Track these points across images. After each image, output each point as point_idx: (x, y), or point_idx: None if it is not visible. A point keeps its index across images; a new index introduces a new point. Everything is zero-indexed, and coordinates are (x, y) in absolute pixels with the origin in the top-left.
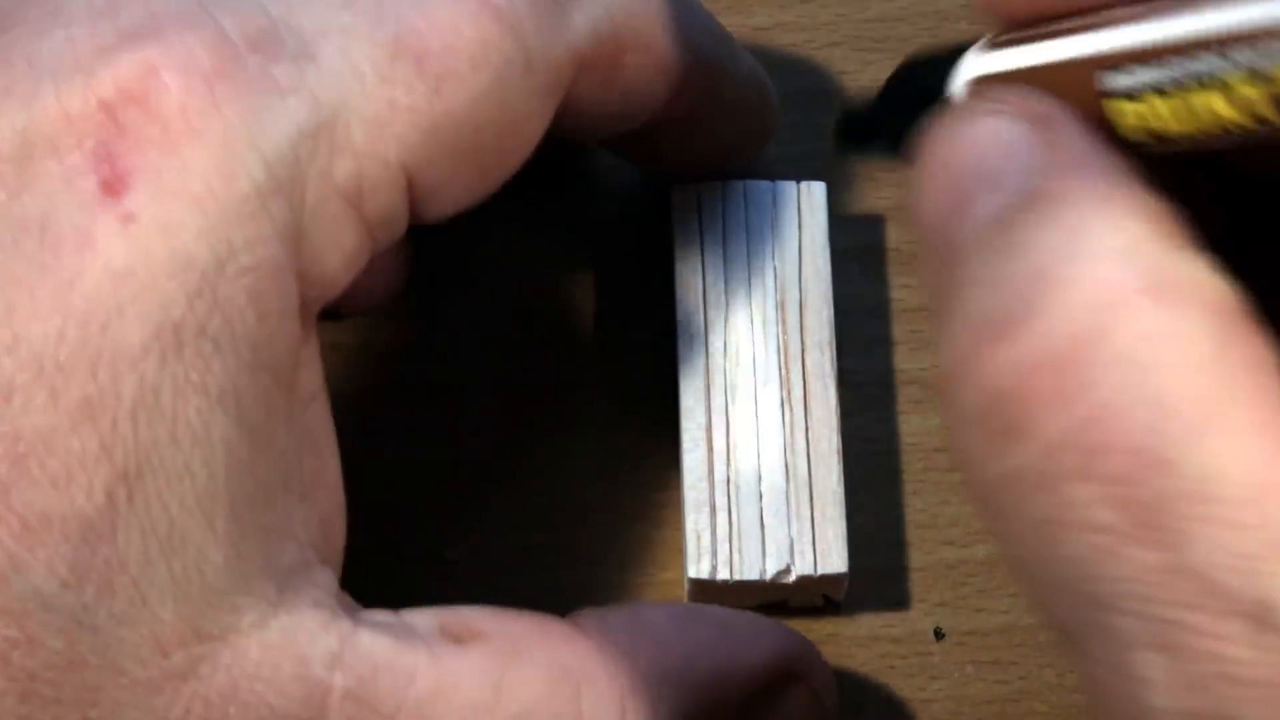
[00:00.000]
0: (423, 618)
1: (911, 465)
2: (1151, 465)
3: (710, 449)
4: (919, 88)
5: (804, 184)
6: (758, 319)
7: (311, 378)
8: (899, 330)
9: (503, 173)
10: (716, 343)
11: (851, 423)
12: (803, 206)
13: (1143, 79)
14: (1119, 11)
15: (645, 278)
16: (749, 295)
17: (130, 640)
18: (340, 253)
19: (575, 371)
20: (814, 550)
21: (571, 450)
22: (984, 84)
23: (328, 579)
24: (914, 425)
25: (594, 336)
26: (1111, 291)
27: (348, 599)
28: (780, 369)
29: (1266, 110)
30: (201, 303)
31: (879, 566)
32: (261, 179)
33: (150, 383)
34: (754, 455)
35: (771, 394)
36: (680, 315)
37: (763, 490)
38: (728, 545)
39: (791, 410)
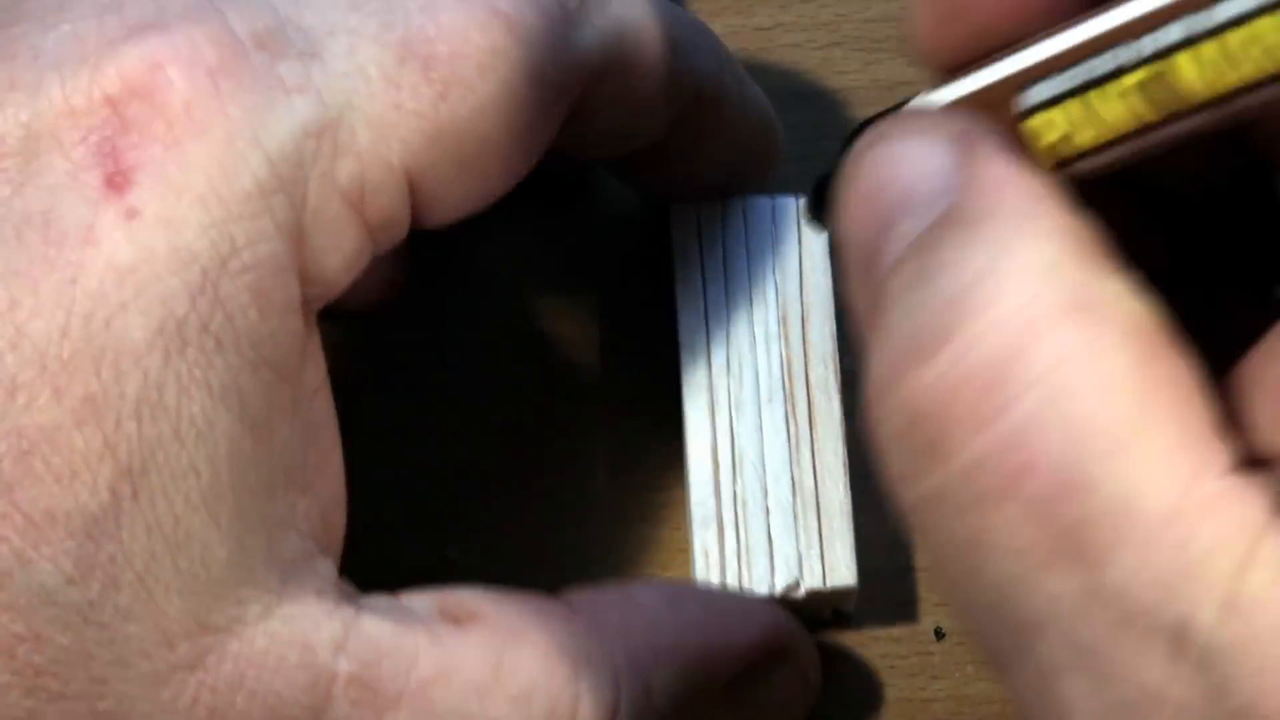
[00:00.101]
0: (421, 600)
1: None
2: (1069, 487)
3: (716, 465)
4: None
5: (803, 199)
6: (760, 334)
7: (314, 372)
8: None
9: (505, 182)
10: (719, 359)
11: (856, 423)
12: (802, 221)
13: (1046, 92)
14: (1032, 37)
15: (647, 282)
16: (751, 311)
17: (136, 635)
18: (340, 254)
19: (576, 372)
20: (822, 564)
21: (572, 450)
22: None
23: (329, 568)
24: None
25: (594, 337)
26: (1029, 312)
27: (348, 585)
28: (784, 384)
29: (1145, 110)
30: (204, 299)
31: (880, 566)
32: (264, 176)
33: (154, 379)
34: (760, 471)
35: (776, 409)
36: (682, 332)
37: (769, 505)
38: (736, 561)
39: (796, 425)
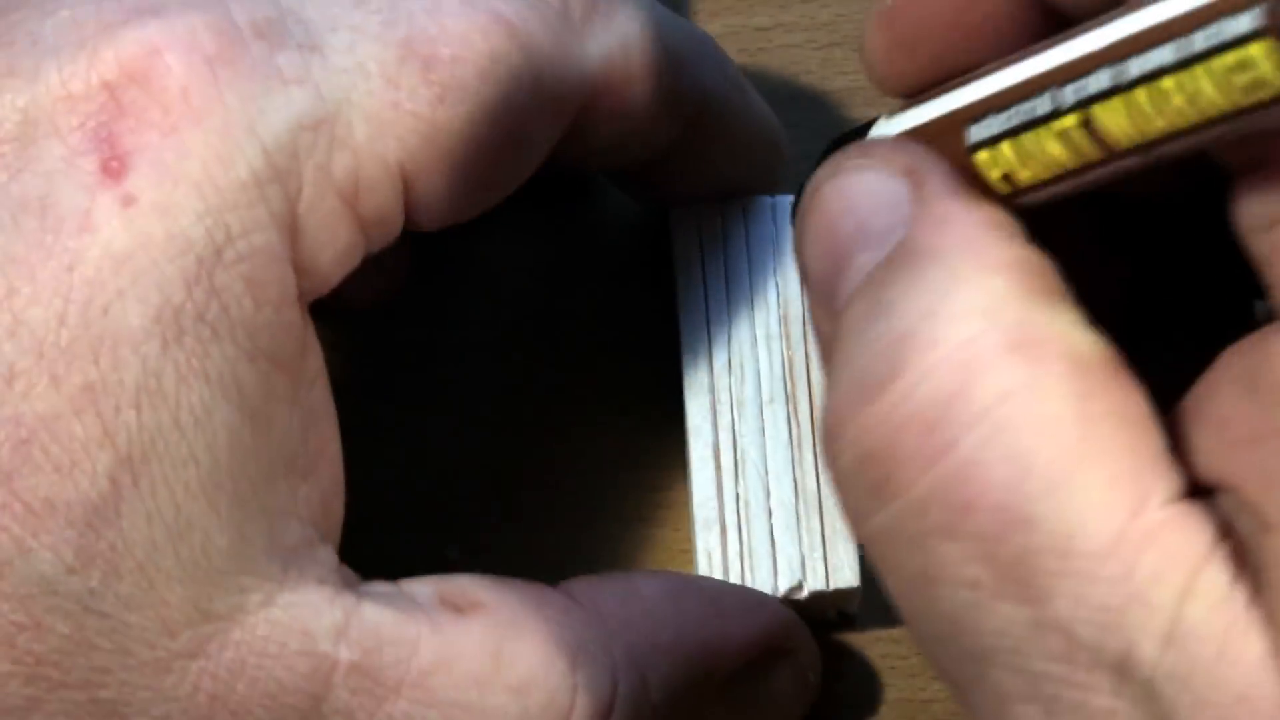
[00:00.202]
0: (422, 588)
1: None
2: (1012, 522)
3: (718, 467)
4: None
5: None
6: (761, 334)
7: (312, 362)
8: None
9: (501, 189)
10: (721, 360)
11: None
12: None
13: (988, 130)
14: (980, 70)
15: (648, 282)
16: (752, 311)
17: (137, 623)
18: (334, 248)
19: (577, 373)
20: (825, 565)
21: (573, 451)
22: None
23: (330, 555)
24: None
25: (595, 337)
26: (970, 351)
27: (348, 572)
28: (786, 384)
29: (1082, 151)
30: (200, 288)
31: None
32: (259, 166)
33: (152, 367)
34: (762, 472)
35: (778, 410)
36: (684, 333)
37: (772, 507)
38: (739, 563)
39: (798, 425)
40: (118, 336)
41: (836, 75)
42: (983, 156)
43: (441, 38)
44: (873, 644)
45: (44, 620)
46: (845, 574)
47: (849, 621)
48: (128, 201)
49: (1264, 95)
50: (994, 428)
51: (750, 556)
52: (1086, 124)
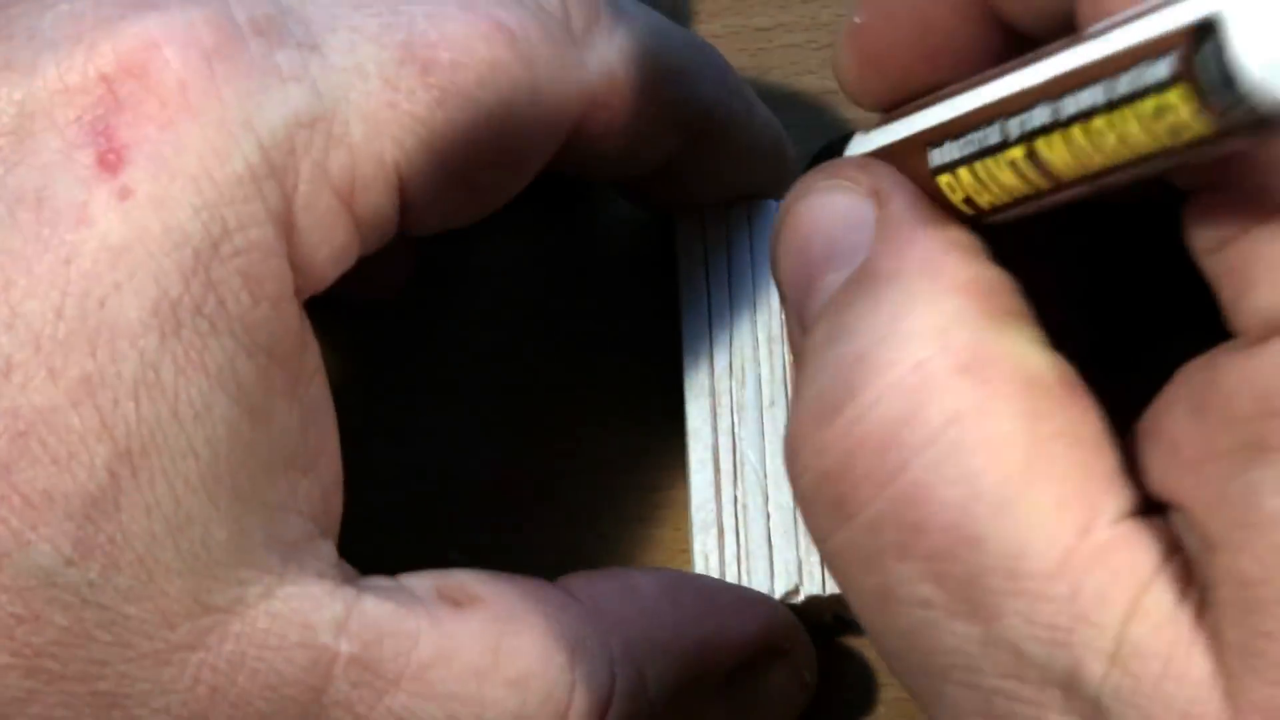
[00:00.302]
0: (420, 582)
1: None
2: (962, 542)
3: (717, 470)
4: None
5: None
6: (763, 337)
7: (310, 358)
8: None
9: (495, 197)
10: (722, 362)
11: None
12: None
13: (947, 155)
14: (944, 90)
15: (650, 284)
16: (754, 314)
17: (137, 615)
18: (329, 246)
19: (578, 373)
20: (822, 570)
21: (573, 450)
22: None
23: (329, 549)
24: None
25: (597, 339)
26: (922, 374)
27: (348, 567)
28: (786, 388)
29: (1034, 179)
30: (197, 281)
31: None
32: (256, 161)
33: (150, 360)
34: (761, 475)
35: (778, 414)
36: (685, 335)
37: (770, 510)
38: (736, 566)
39: None
40: (115, 329)
41: None
42: (944, 180)
43: (442, 42)
44: (869, 645)
45: (43, 612)
46: None
47: (846, 627)
48: (124, 194)
49: (1188, 137)
50: (944, 449)
51: (747, 559)
52: (1031, 156)
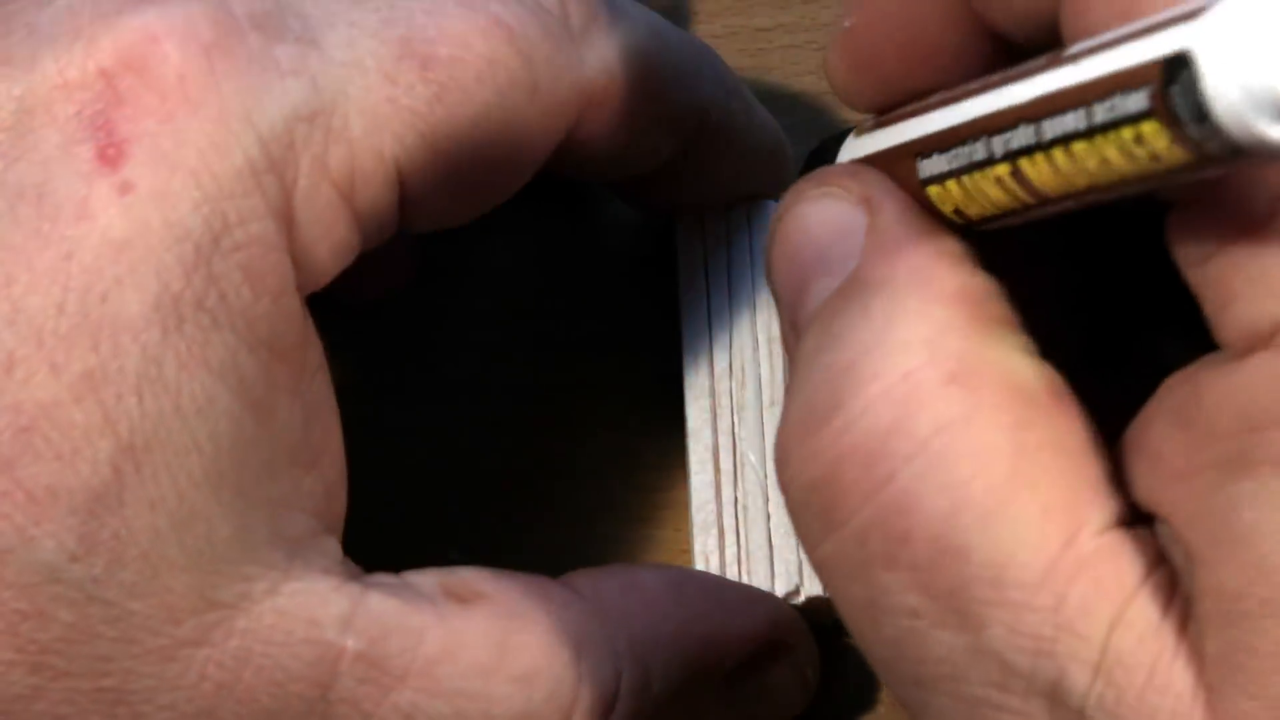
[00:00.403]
0: (425, 579)
1: None
2: (948, 552)
3: (717, 470)
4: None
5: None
6: (763, 338)
7: (313, 353)
8: None
9: (494, 194)
10: (722, 362)
11: None
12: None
13: (936, 167)
14: (935, 99)
15: (650, 283)
16: (754, 314)
17: (141, 611)
18: (329, 241)
19: (578, 374)
20: None
21: (573, 450)
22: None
23: (334, 546)
24: None
25: (597, 339)
26: (910, 384)
27: (352, 563)
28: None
29: (1020, 195)
30: (198, 276)
31: None
32: (256, 155)
33: (153, 354)
34: (761, 476)
35: (778, 414)
36: (685, 335)
37: (770, 511)
38: (736, 566)
39: None
40: (117, 324)
41: None
42: (934, 191)
43: (440, 38)
44: None
45: (47, 608)
46: None
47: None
48: (125, 189)
49: (1166, 164)
50: (930, 459)
51: (748, 560)
52: (1016, 174)
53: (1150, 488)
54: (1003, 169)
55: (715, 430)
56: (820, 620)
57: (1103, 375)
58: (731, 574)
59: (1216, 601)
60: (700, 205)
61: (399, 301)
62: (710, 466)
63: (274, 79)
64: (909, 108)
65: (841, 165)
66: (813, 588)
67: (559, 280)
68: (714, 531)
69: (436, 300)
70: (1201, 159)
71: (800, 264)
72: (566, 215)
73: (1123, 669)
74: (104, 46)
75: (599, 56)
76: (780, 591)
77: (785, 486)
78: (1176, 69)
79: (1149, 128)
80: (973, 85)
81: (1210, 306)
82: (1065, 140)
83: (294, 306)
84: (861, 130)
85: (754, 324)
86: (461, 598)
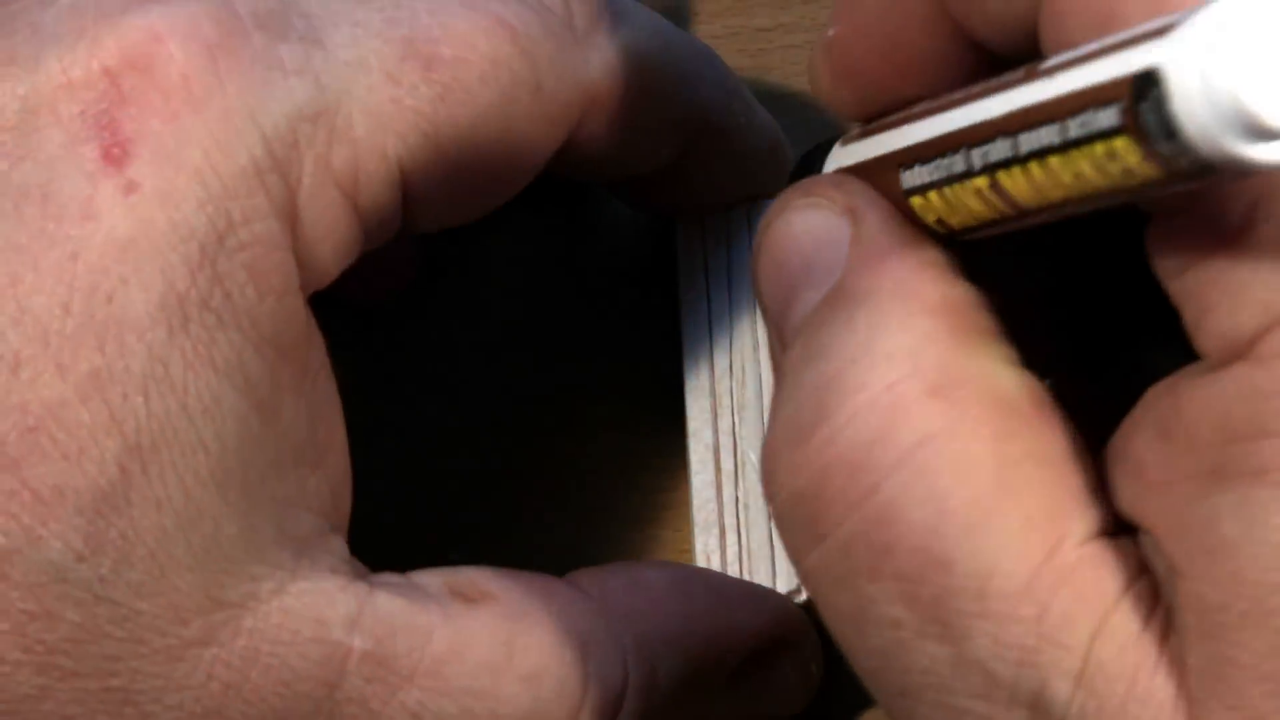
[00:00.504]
0: (430, 578)
1: None
2: (931, 564)
3: (718, 469)
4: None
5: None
6: (763, 338)
7: (316, 353)
8: None
9: (497, 194)
10: (722, 363)
11: None
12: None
13: (918, 179)
14: (918, 109)
15: (650, 283)
16: (754, 314)
17: (149, 611)
18: (333, 240)
19: (578, 374)
20: None
21: (573, 450)
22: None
23: (341, 545)
24: None
25: (597, 339)
26: (893, 396)
27: (359, 563)
28: None
29: (1000, 207)
30: (203, 275)
31: None
32: (260, 154)
33: (159, 354)
34: (762, 475)
35: None
36: (685, 335)
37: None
38: (738, 566)
39: None
40: (123, 323)
41: None
42: (917, 202)
43: (444, 38)
44: None
45: (54, 608)
46: None
47: None
48: (130, 188)
49: (1139, 179)
50: (914, 471)
51: (749, 559)
52: (995, 186)
53: (1133, 498)
54: (982, 181)
55: (716, 430)
56: (821, 622)
57: (1091, 383)
58: (733, 573)
59: (1197, 613)
60: (700, 206)
61: (399, 301)
62: (711, 466)
63: (278, 78)
64: (893, 117)
65: (827, 175)
66: None
67: (559, 280)
68: (715, 531)
69: (437, 300)
70: (1173, 175)
71: (786, 275)
72: (566, 215)
73: (1104, 679)
74: (108, 46)
75: (602, 57)
76: (782, 590)
77: (772, 497)
78: (1146, 86)
79: (1121, 144)
80: (955, 96)
81: (1189, 317)
82: (1041, 154)
83: (298, 306)
84: (848, 138)
85: (754, 324)
86: (468, 597)
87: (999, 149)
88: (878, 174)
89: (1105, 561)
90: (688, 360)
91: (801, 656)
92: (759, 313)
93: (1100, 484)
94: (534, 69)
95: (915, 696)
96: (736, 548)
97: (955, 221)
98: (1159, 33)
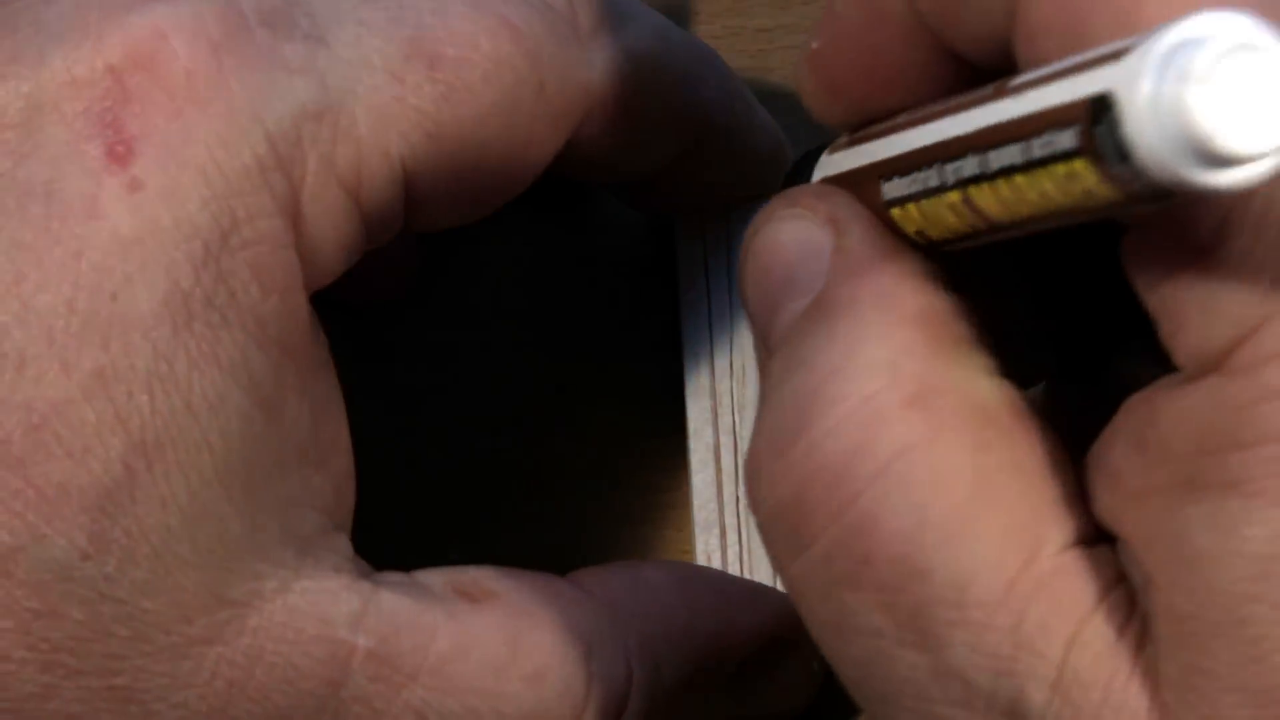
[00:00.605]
0: (434, 577)
1: None
2: (910, 573)
3: (719, 468)
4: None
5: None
6: None
7: (319, 351)
8: None
9: (499, 194)
10: (723, 362)
11: None
12: None
13: (896, 191)
14: (899, 120)
15: (651, 283)
16: None
17: (153, 609)
18: (336, 239)
19: (578, 374)
20: None
21: (573, 450)
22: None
23: (345, 544)
24: None
25: (598, 339)
26: (872, 407)
27: (363, 562)
28: None
29: (976, 221)
30: (207, 273)
31: None
32: (264, 153)
33: (163, 352)
34: None
35: None
36: (686, 335)
37: None
38: (738, 565)
39: None
40: (127, 322)
41: None
42: (897, 213)
43: (448, 38)
44: None
45: (59, 607)
46: None
47: None
48: (134, 186)
49: (1101, 201)
50: (892, 481)
51: (750, 558)
52: (967, 201)
53: (1110, 508)
54: (955, 196)
55: (716, 429)
56: None
57: (1075, 392)
58: (734, 572)
59: (1170, 623)
60: (701, 206)
61: (400, 301)
62: (712, 465)
63: (282, 77)
64: (877, 127)
65: (811, 185)
66: None
67: (559, 280)
68: (716, 530)
69: (438, 300)
70: (1130, 197)
71: (770, 284)
72: (567, 215)
73: (1079, 687)
74: (112, 44)
75: (605, 58)
76: (783, 589)
77: (755, 507)
78: (1101, 109)
79: (1080, 165)
80: (933, 109)
81: (1165, 329)
82: (1008, 172)
83: (301, 304)
84: (835, 146)
85: None
86: (472, 596)
87: (969, 165)
88: (861, 184)
89: (1082, 570)
90: (688, 360)
91: (803, 655)
92: None
93: (1080, 493)
94: (537, 69)
95: (896, 704)
96: (737, 547)
97: (934, 234)
98: (1116, 55)
